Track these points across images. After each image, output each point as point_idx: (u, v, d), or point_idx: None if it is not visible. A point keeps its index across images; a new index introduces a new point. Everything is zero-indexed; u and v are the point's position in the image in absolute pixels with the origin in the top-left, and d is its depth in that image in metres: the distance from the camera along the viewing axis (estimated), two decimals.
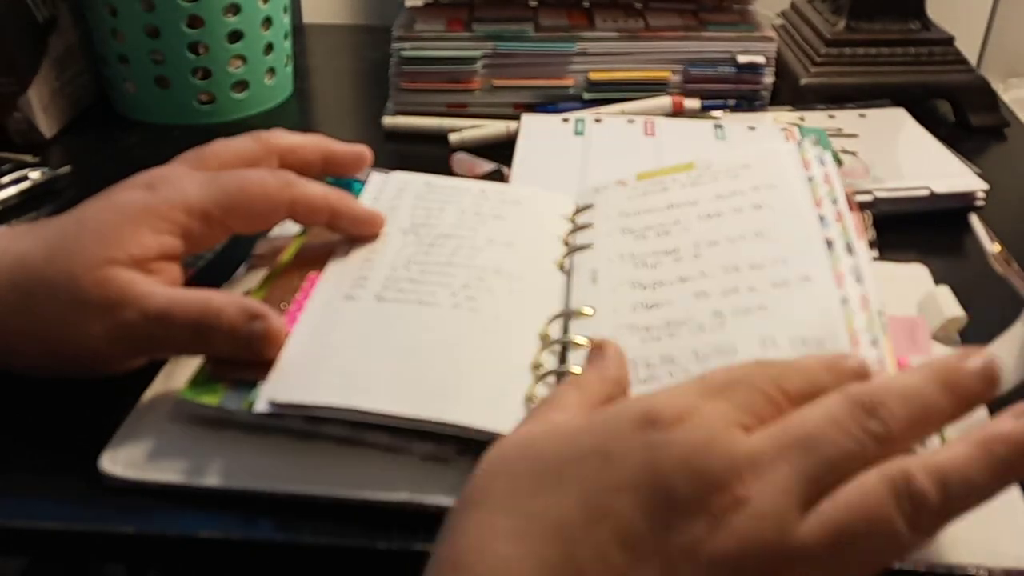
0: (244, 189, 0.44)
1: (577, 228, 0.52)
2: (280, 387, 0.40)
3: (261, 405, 0.40)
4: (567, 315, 0.45)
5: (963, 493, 0.28)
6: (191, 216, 0.43)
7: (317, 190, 0.47)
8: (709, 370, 0.32)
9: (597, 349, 0.38)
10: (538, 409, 0.35)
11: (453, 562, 0.27)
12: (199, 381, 0.41)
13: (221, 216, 0.44)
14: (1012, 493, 0.40)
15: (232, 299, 0.41)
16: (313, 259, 0.49)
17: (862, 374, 0.32)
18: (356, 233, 0.49)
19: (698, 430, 0.28)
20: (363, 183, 0.55)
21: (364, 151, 0.51)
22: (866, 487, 0.27)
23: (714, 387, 0.30)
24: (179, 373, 0.45)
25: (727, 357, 0.39)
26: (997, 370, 0.31)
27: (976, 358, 0.31)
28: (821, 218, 0.45)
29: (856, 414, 0.28)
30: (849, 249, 0.43)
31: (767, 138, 0.67)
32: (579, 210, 0.54)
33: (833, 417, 0.28)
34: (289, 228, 0.58)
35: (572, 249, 0.50)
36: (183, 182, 0.44)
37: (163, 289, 0.41)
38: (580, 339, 0.43)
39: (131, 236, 0.41)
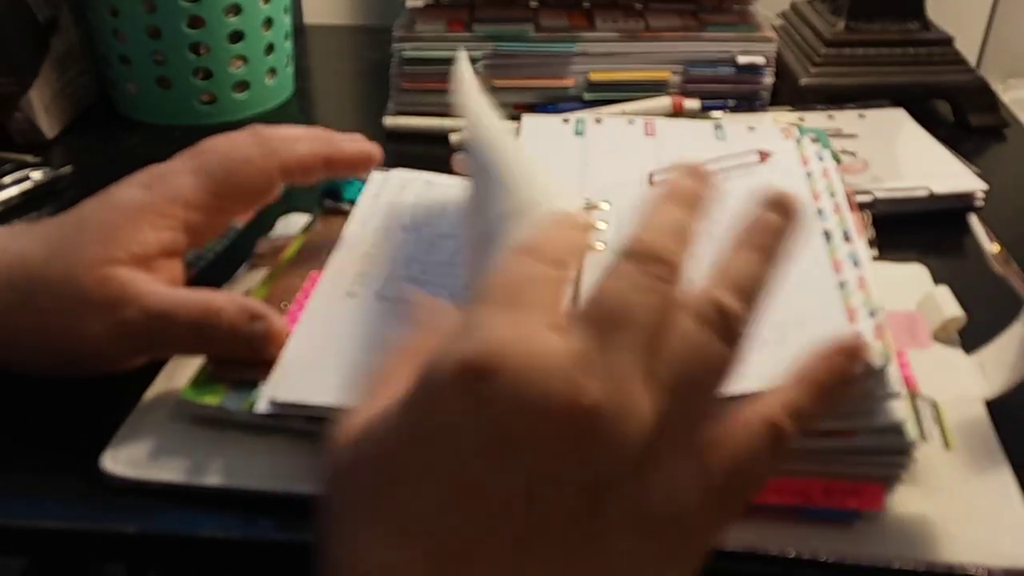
0: (230, 169, 0.44)
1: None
2: (281, 387, 0.40)
3: (262, 405, 0.40)
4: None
5: (756, 292, 0.29)
6: (188, 209, 0.43)
7: (303, 148, 0.46)
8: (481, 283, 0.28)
9: (416, 308, 0.35)
10: (366, 391, 0.31)
11: None
12: (200, 381, 0.41)
13: (216, 201, 0.44)
14: (1012, 493, 0.40)
15: (233, 299, 0.41)
16: (314, 257, 0.49)
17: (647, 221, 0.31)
18: (357, 173, 0.49)
19: (515, 361, 0.25)
20: (363, 181, 0.55)
21: (372, 151, 0.49)
22: (685, 331, 0.27)
23: (501, 297, 0.27)
24: (180, 373, 0.45)
25: None
26: (702, 169, 0.32)
27: (675, 170, 0.32)
28: (819, 211, 0.46)
29: (642, 265, 0.28)
30: (847, 237, 0.43)
31: (766, 138, 0.67)
32: (589, 208, 0.54)
33: (624, 278, 0.27)
34: (290, 227, 0.58)
35: None
36: (179, 177, 0.44)
37: (164, 288, 0.41)
38: None
39: (131, 234, 0.42)
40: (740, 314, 0.28)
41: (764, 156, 0.50)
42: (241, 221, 0.51)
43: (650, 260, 0.28)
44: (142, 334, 0.41)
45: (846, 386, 0.30)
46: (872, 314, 0.39)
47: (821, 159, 0.49)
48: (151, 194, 0.44)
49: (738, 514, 0.29)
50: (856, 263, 0.42)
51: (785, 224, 0.31)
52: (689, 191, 0.31)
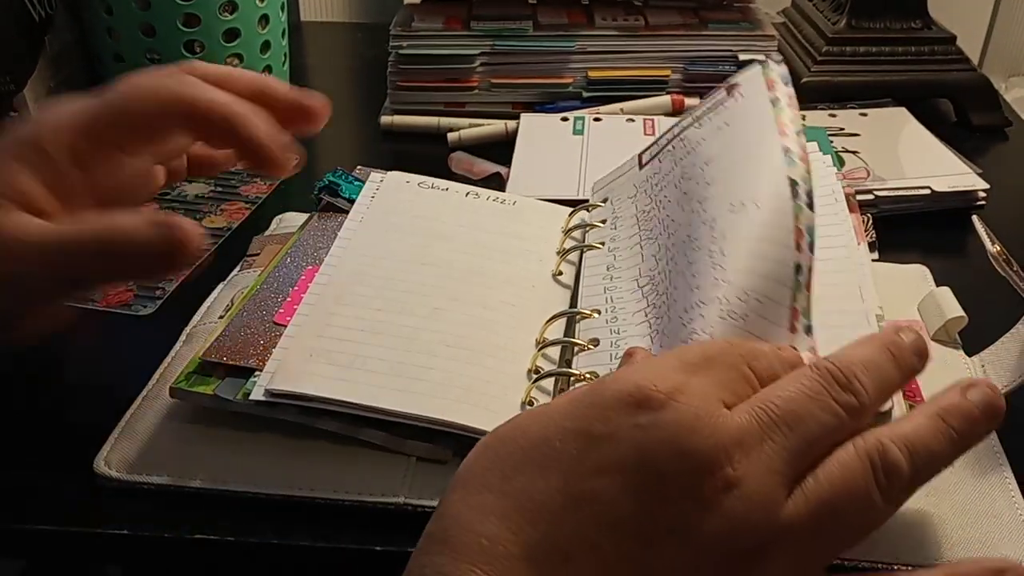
0: (130, 96, 0.39)
1: (589, 226, 0.51)
2: (276, 377, 0.40)
3: (257, 393, 0.39)
4: (571, 316, 0.45)
5: (928, 463, 0.29)
6: (75, 134, 0.38)
7: (220, 96, 0.39)
8: (683, 347, 0.31)
9: (628, 356, 0.37)
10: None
11: (440, 538, 0.27)
12: (193, 372, 0.41)
13: (108, 132, 0.39)
14: (1013, 495, 0.39)
15: (135, 213, 0.37)
16: (310, 254, 0.48)
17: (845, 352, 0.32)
18: (302, 129, 0.43)
19: (685, 409, 0.27)
20: (362, 182, 0.54)
21: (315, 105, 0.43)
22: (845, 461, 0.28)
23: (693, 363, 0.30)
24: (173, 375, 0.44)
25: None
26: (926, 345, 0.33)
27: (910, 331, 0.33)
28: (785, 151, 0.38)
29: (832, 388, 0.29)
30: (809, 199, 0.35)
31: None
32: (591, 207, 0.53)
33: (811, 391, 0.29)
34: (286, 225, 0.57)
35: (580, 247, 0.50)
36: (67, 104, 0.39)
37: (48, 224, 0.37)
38: (581, 339, 0.43)
39: (9, 176, 0.37)
40: (904, 473, 0.28)
41: (731, 89, 0.47)
42: (154, 170, 0.44)
43: (845, 388, 0.29)
44: (36, 276, 0.37)
45: (975, 428, 0.30)
46: (807, 331, 0.34)
47: (787, 84, 0.43)
48: (31, 127, 0.39)
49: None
50: (813, 242, 0.35)
51: (984, 424, 0.31)
52: (910, 360, 0.32)
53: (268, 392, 0.39)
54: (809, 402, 0.28)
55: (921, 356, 0.32)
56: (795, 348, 0.33)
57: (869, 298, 0.40)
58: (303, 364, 0.41)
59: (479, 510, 0.27)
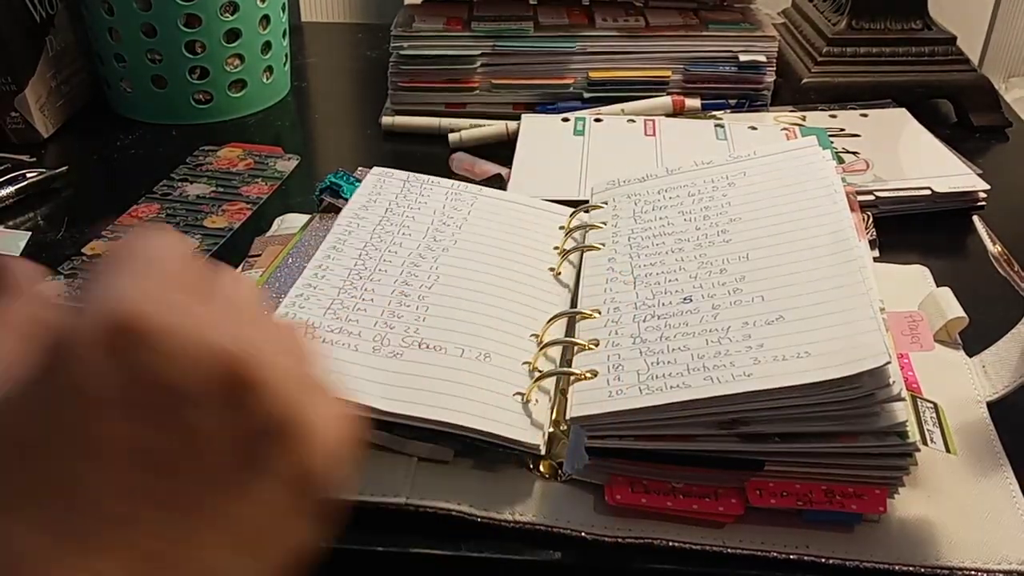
0: None
1: (589, 227, 0.51)
2: None
3: None
4: (571, 316, 0.45)
5: None
6: None
7: None
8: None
9: None
10: None
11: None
12: None
13: None
14: (1014, 496, 0.39)
15: None
16: (311, 256, 0.48)
17: None
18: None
19: (167, 318, 0.24)
20: (358, 181, 0.54)
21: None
22: None
23: (135, 266, 0.26)
24: None
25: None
26: None
27: None
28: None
29: None
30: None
31: (768, 137, 0.66)
32: (591, 208, 0.53)
33: None
34: (287, 226, 0.57)
35: (581, 248, 0.50)
36: None
37: None
38: (582, 339, 0.43)
39: None
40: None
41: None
42: None
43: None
44: None
45: None
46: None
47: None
48: None
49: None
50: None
51: None
52: None
53: None
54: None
55: None
56: None
57: (871, 290, 0.40)
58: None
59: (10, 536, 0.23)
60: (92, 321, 0.24)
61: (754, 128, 0.68)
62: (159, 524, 0.23)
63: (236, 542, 0.25)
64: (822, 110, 0.73)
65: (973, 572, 0.36)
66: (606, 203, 0.53)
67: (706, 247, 0.46)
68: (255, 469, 0.25)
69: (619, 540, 0.38)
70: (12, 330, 0.26)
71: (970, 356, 0.47)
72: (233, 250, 0.58)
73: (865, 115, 0.72)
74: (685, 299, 0.43)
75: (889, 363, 0.35)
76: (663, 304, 0.43)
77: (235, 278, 0.28)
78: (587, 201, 0.55)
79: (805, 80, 0.75)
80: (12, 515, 0.23)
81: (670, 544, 0.37)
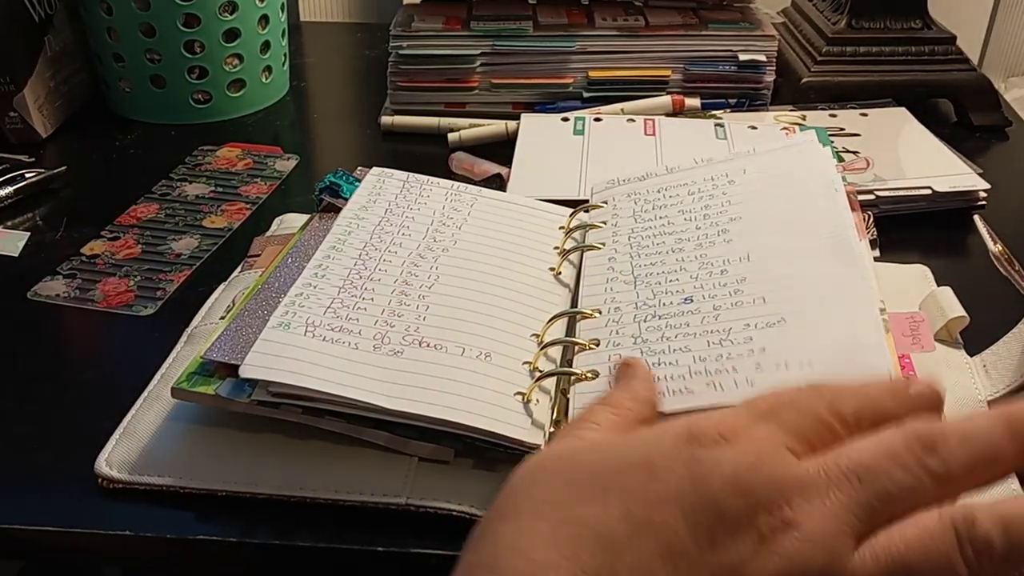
0: None
1: (589, 226, 0.51)
2: (276, 373, 0.39)
3: (260, 394, 0.39)
4: (572, 316, 0.45)
5: None
6: None
7: None
8: (756, 396, 0.30)
9: (626, 368, 0.38)
10: (570, 427, 0.34)
11: (489, 565, 0.26)
12: (195, 372, 0.41)
13: None
14: (1015, 494, 0.39)
15: None
16: (310, 256, 0.48)
17: (928, 399, 0.30)
18: None
19: (746, 448, 0.27)
20: (358, 180, 0.54)
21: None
22: (926, 525, 0.26)
23: (762, 410, 0.29)
24: (174, 376, 0.44)
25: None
26: None
27: None
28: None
29: (914, 448, 0.27)
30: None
31: (768, 136, 0.66)
32: (590, 208, 0.53)
33: (890, 449, 0.27)
34: (286, 226, 0.57)
35: (581, 247, 0.50)
36: None
37: None
38: (582, 339, 0.43)
39: None
40: (995, 546, 0.25)
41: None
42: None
43: (929, 451, 0.27)
44: None
45: None
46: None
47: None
48: None
49: None
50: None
51: None
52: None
53: (268, 391, 0.39)
54: (885, 458, 0.26)
55: None
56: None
57: (872, 290, 0.40)
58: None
59: (533, 536, 0.26)
60: (683, 423, 0.28)
61: (754, 127, 0.68)
62: None
63: None
64: (822, 109, 0.73)
65: None
66: (606, 202, 0.53)
67: (707, 247, 0.46)
68: None
69: None
70: (610, 413, 0.33)
71: (971, 355, 0.47)
72: (232, 250, 0.57)
73: (865, 114, 0.72)
74: (686, 299, 0.43)
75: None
76: (664, 304, 0.43)
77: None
78: (587, 201, 0.55)
79: (805, 79, 0.75)
80: (548, 540, 0.26)
81: None
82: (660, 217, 0.50)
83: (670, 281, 0.44)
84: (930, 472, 0.26)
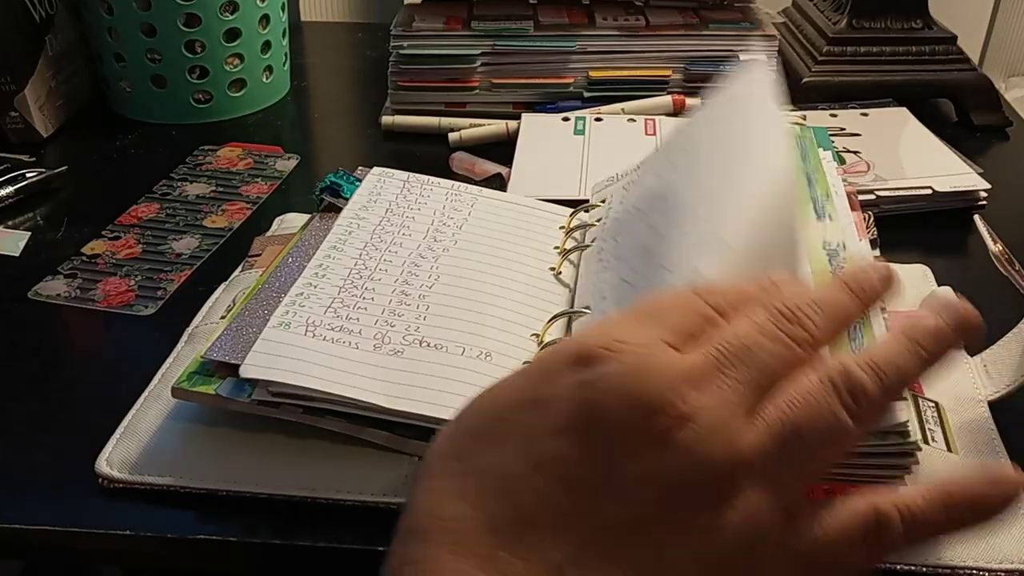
0: None
1: (588, 226, 0.51)
2: (276, 373, 0.40)
3: (260, 393, 0.39)
4: (569, 315, 0.45)
5: (896, 379, 0.29)
6: None
7: None
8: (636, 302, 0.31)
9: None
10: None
11: (410, 529, 0.27)
12: (195, 372, 0.41)
13: None
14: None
15: None
16: (311, 255, 0.48)
17: (792, 286, 0.32)
18: None
19: (630, 357, 0.27)
20: (358, 180, 0.54)
21: None
22: (805, 384, 0.28)
23: (642, 314, 0.29)
24: (175, 375, 0.44)
25: None
26: (894, 272, 0.33)
27: (879, 267, 0.33)
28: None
29: (780, 322, 0.29)
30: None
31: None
32: (590, 208, 0.53)
33: (759, 327, 0.29)
34: (287, 226, 0.57)
35: (580, 247, 0.50)
36: None
37: None
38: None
39: None
40: (869, 389, 0.28)
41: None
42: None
43: (793, 323, 0.29)
44: None
45: (977, 514, 0.29)
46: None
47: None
48: None
49: None
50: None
51: (953, 338, 0.31)
52: (870, 289, 0.32)
53: (269, 390, 0.39)
54: (758, 335, 0.28)
55: (884, 280, 0.32)
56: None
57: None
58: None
59: (442, 494, 0.27)
60: (573, 341, 0.28)
61: None
62: (565, 542, 0.25)
63: None
64: (822, 109, 0.73)
65: (975, 571, 0.36)
66: (604, 201, 0.53)
67: (694, 225, 0.46)
68: (669, 524, 0.26)
69: None
70: None
71: (971, 355, 0.47)
72: (233, 250, 0.58)
73: (866, 114, 0.72)
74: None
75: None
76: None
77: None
78: (587, 200, 0.55)
79: (806, 79, 0.75)
80: (457, 494, 0.26)
81: None
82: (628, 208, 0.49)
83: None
84: (798, 339, 0.29)
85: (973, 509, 0.29)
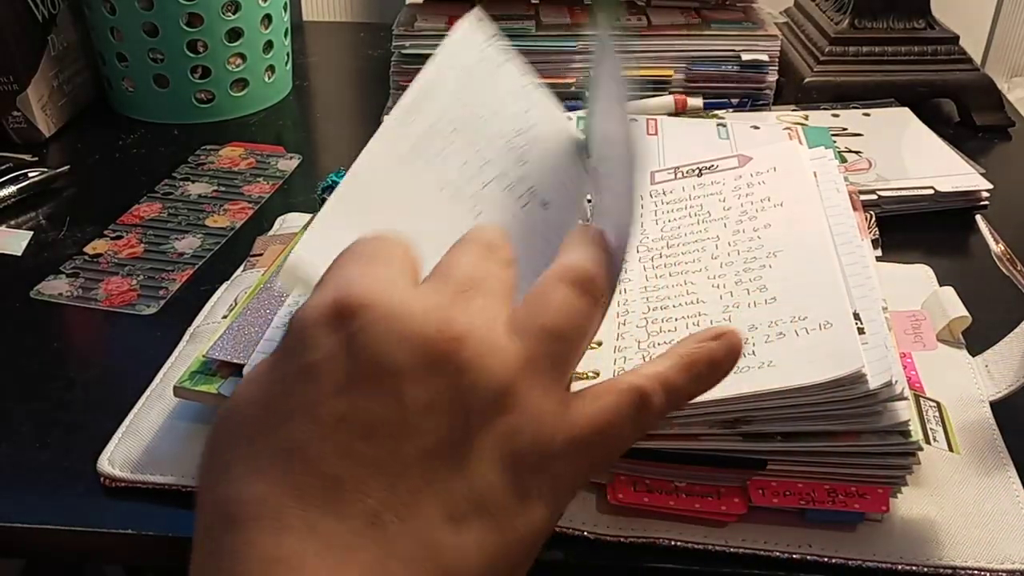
0: None
1: None
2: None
3: None
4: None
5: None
6: None
7: None
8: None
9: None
10: None
11: (213, 522, 0.26)
12: (197, 371, 0.41)
13: None
14: (1017, 495, 0.39)
15: None
16: None
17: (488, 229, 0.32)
18: None
19: (382, 300, 0.27)
20: None
21: None
22: (544, 289, 0.29)
23: (364, 256, 0.29)
24: (177, 375, 0.44)
25: None
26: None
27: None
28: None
29: (493, 253, 0.30)
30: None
31: (770, 136, 0.66)
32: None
33: (478, 254, 0.30)
34: (289, 226, 0.57)
35: None
36: None
37: None
38: None
39: None
40: (595, 277, 0.30)
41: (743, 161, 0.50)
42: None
43: (495, 248, 0.30)
44: None
45: (716, 370, 0.31)
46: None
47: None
48: None
49: (599, 469, 0.32)
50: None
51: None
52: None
53: None
54: (478, 261, 0.29)
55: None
56: None
57: (875, 291, 0.40)
58: None
59: (239, 480, 0.26)
60: (318, 303, 0.27)
61: (756, 127, 0.68)
62: (375, 488, 0.25)
63: (451, 515, 0.26)
64: (824, 109, 0.73)
65: (976, 571, 0.36)
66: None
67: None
68: (470, 444, 0.27)
69: (621, 539, 0.38)
70: None
71: (973, 355, 0.47)
72: (235, 249, 0.58)
73: (868, 114, 0.72)
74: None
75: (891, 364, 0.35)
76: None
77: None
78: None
79: (807, 79, 0.75)
80: (255, 476, 0.26)
81: (672, 543, 0.37)
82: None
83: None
84: (503, 262, 0.30)
85: (711, 366, 0.30)
